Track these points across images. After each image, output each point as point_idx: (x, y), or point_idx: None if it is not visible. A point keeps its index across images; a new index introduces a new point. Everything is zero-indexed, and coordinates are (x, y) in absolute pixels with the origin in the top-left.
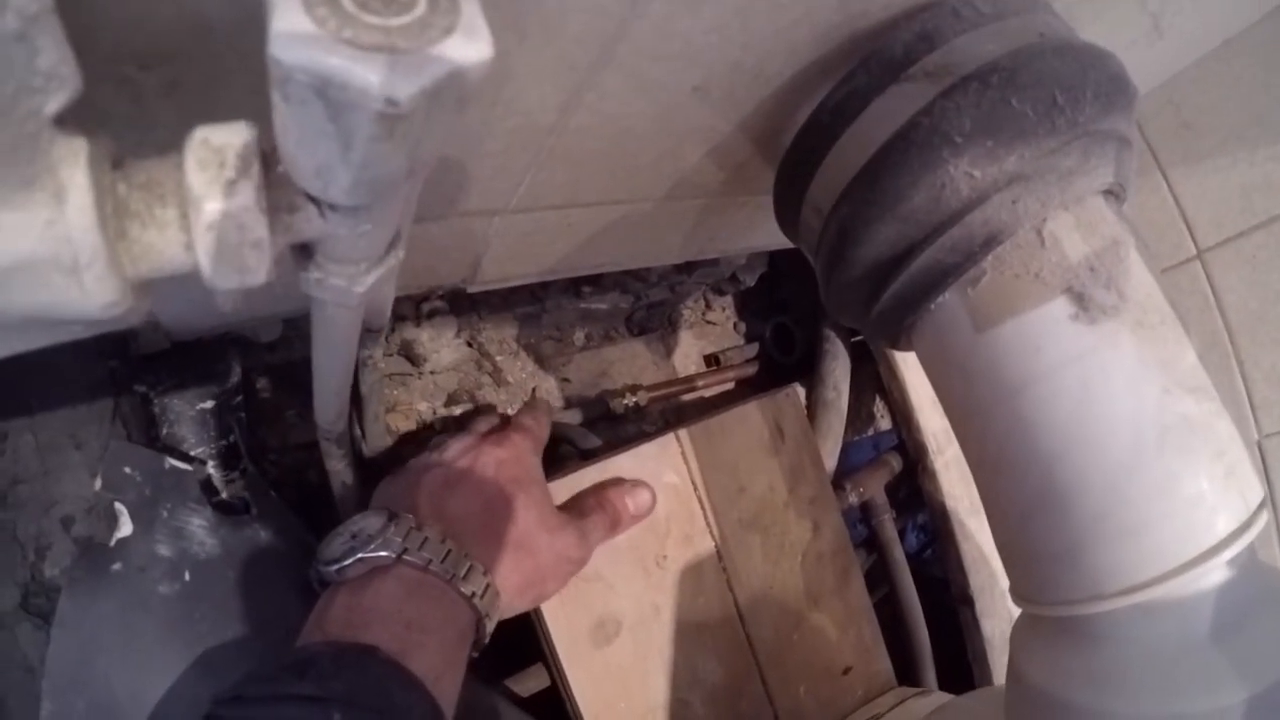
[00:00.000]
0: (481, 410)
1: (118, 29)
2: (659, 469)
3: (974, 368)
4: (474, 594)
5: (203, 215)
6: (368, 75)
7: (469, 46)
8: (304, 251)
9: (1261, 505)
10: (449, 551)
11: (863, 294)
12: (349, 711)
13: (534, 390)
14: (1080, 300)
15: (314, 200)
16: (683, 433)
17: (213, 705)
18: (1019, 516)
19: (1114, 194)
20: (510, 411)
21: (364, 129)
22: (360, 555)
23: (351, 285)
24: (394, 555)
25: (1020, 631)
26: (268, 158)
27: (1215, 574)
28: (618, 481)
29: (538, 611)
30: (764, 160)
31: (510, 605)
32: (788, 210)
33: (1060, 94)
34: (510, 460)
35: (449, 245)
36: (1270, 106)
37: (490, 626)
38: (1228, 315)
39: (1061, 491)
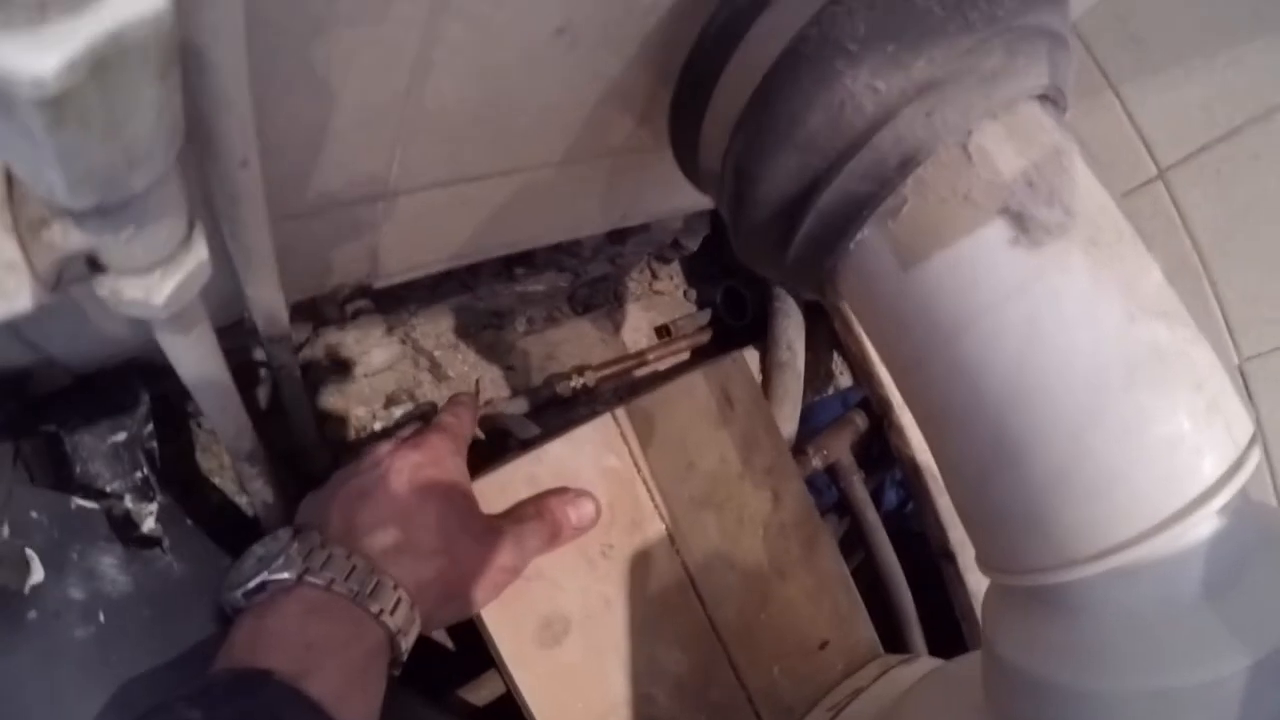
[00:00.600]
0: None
1: None
2: (597, 452)
3: (906, 311)
4: (382, 610)
5: None
6: (6, 57)
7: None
8: (97, 267)
9: (1252, 441)
10: (354, 568)
11: (773, 239)
12: None
13: (476, 381)
14: (1019, 221)
15: (67, 211)
16: (620, 412)
17: None
18: (974, 478)
19: (1050, 99)
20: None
21: (35, 118)
22: (262, 578)
23: (149, 296)
24: (295, 576)
25: (990, 603)
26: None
27: (1204, 526)
28: (560, 491)
29: (479, 617)
30: (663, 109)
31: (434, 616)
32: (687, 156)
33: None
34: (427, 463)
35: (334, 239)
36: (1223, 9)
37: (407, 643)
38: (1195, 235)
39: (1016, 446)
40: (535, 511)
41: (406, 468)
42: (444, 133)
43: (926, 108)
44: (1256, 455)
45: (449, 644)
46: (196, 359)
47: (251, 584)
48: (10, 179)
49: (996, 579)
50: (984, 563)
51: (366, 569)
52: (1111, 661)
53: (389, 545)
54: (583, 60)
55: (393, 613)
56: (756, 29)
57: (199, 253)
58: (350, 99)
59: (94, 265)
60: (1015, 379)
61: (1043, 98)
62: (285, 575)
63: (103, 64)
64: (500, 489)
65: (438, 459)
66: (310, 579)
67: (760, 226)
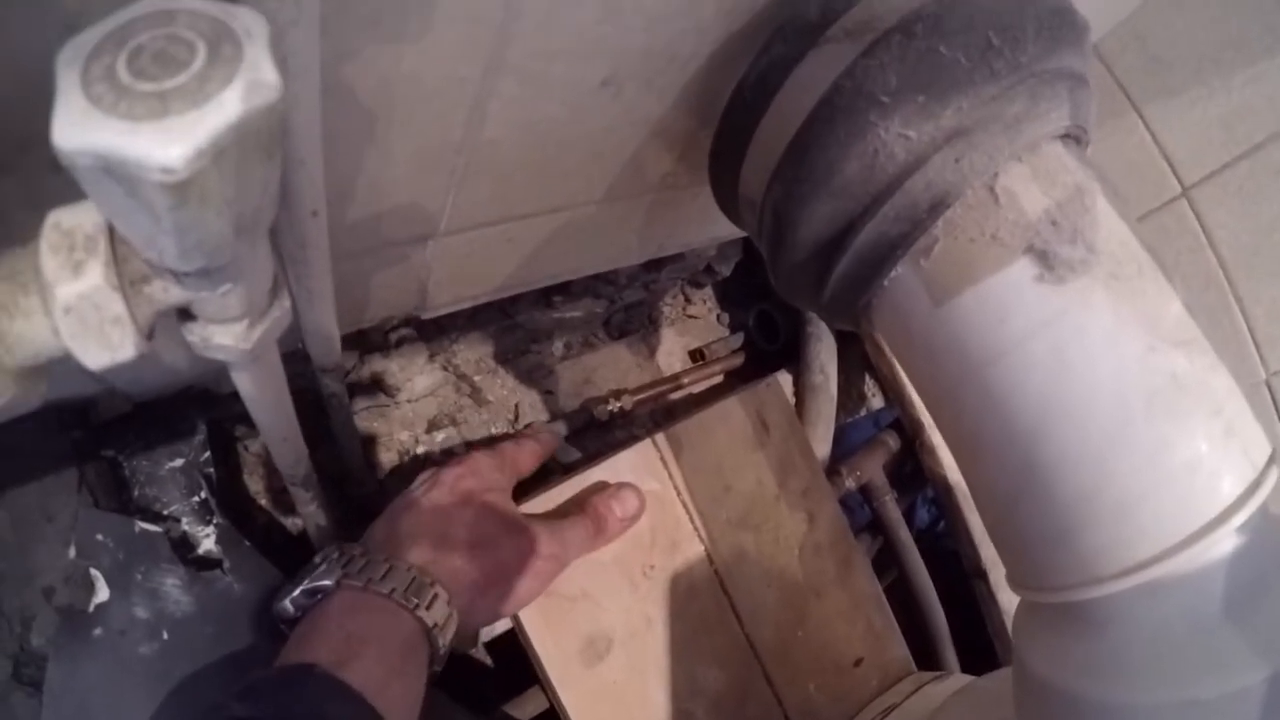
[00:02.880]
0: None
1: None
2: (639, 477)
3: (938, 344)
4: (418, 605)
5: (58, 299)
6: (137, 147)
7: (251, 94)
8: (187, 315)
9: (1270, 461)
10: (390, 568)
11: (810, 278)
12: None
13: (515, 406)
14: (1044, 259)
15: (171, 272)
16: (660, 437)
17: None
18: (1004, 500)
19: (1073, 138)
20: (494, 430)
21: (159, 199)
22: (305, 586)
23: (239, 343)
24: (334, 581)
25: (1021, 619)
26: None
27: (1223, 544)
28: (601, 486)
29: (524, 634)
30: (698, 151)
31: (474, 611)
32: (726, 197)
33: (995, 35)
34: (466, 474)
35: (389, 276)
36: (1241, 28)
37: (445, 639)
38: (1220, 252)
39: (1044, 471)
40: (578, 508)
41: (448, 480)
42: (494, 176)
43: (955, 154)
44: (1275, 474)
45: (488, 661)
46: (266, 393)
47: (297, 592)
48: (113, 239)
49: (1027, 596)
50: (1014, 581)
51: (404, 569)
52: (1138, 675)
53: (425, 547)
54: (626, 107)
55: (429, 607)
56: (792, 80)
57: (284, 302)
58: (408, 149)
59: (184, 314)
60: (1042, 408)
61: (1065, 136)
62: (326, 581)
63: (223, 152)
64: (545, 509)
65: (476, 470)
66: (349, 582)
67: (798, 266)
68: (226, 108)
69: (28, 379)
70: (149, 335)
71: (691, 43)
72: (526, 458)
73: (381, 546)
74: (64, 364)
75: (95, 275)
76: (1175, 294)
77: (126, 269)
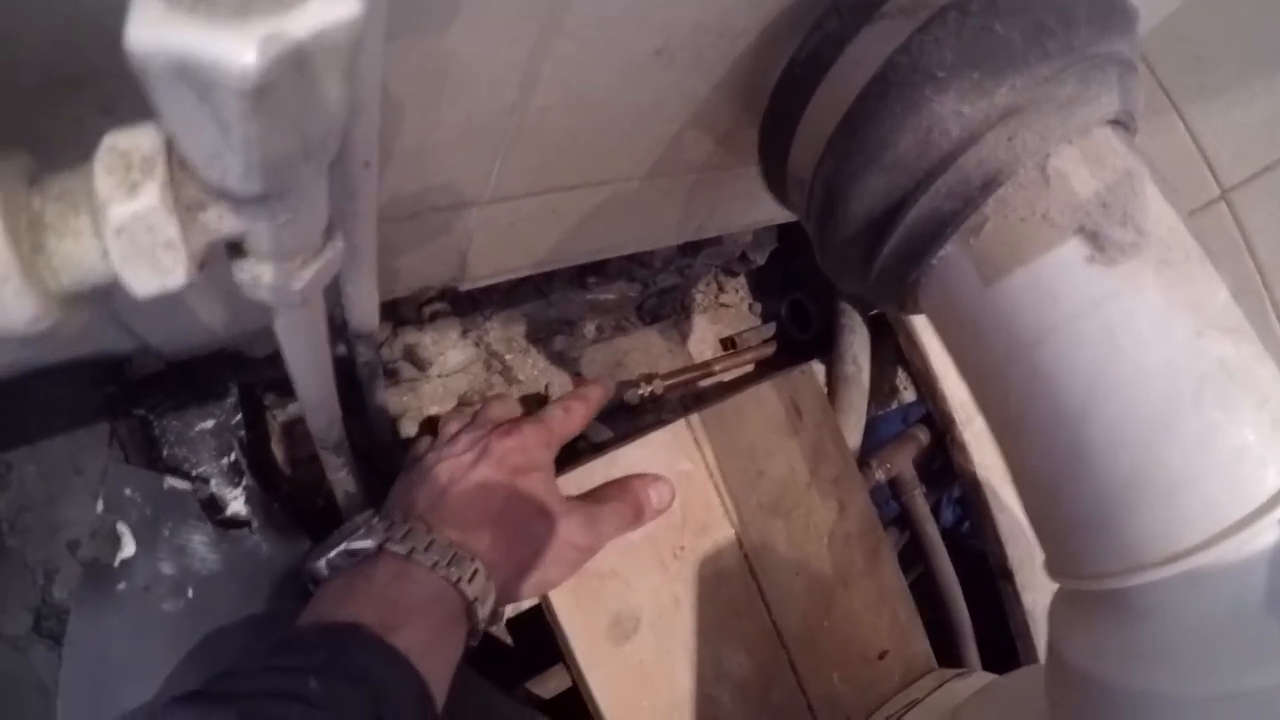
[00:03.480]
0: (495, 397)
1: (35, 52)
2: (672, 457)
3: (986, 323)
4: (460, 579)
5: (110, 220)
6: (215, 49)
7: (334, 4)
8: (237, 252)
9: None
10: (433, 541)
11: (859, 254)
12: (327, 681)
13: (546, 386)
14: (1095, 240)
15: (226, 195)
16: (694, 418)
17: (205, 682)
18: (1047, 483)
19: (1122, 124)
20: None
21: (233, 106)
22: (344, 546)
23: (289, 282)
24: (375, 544)
25: (1057, 608)
26: (178, 158)
27: (1268, 534)
28: (640, 475)
29: (551, 612)
30: (749, 127)
31: (510, 589)
32: (774, 174)
33: (1049, 16)
34: (515, 449)
35: (429, 243)
36: None
37: (484, 612)
38: (1258, 256)
39: (1091, 452)
40: (618, 492)
41: (496, 454)
42: (542, 144)
43: (1008, 132)
44: None
45: (508, 639)
46: (308, 346)
47: (334, 553)
48: (170, 163)
49: (1066, 584)
50: (1054, 569)
51: (445, 542)
52: (1178, 664)
53: (469, 522)
54: (676, 80)
55: (470, 581)
56: (846, 56)
57: (337, 243)
58: (461, 110)
59: (235, 250)
60: (1091, 388)
61: (1114, 122)
62: (367, 543)
63: (303, 62)
64: (577, 488)
65: (524, 446)
66: (392, 547)
67: (847, 241)
68: (310, 15)
69: (72, 306)
70: (200, 265)
71: (743, 17)
72: (575, 424)
73: (423, 515)
74: (107, 299)
75: (151, 196)
76: (1222, 282)
77: (183, 193)
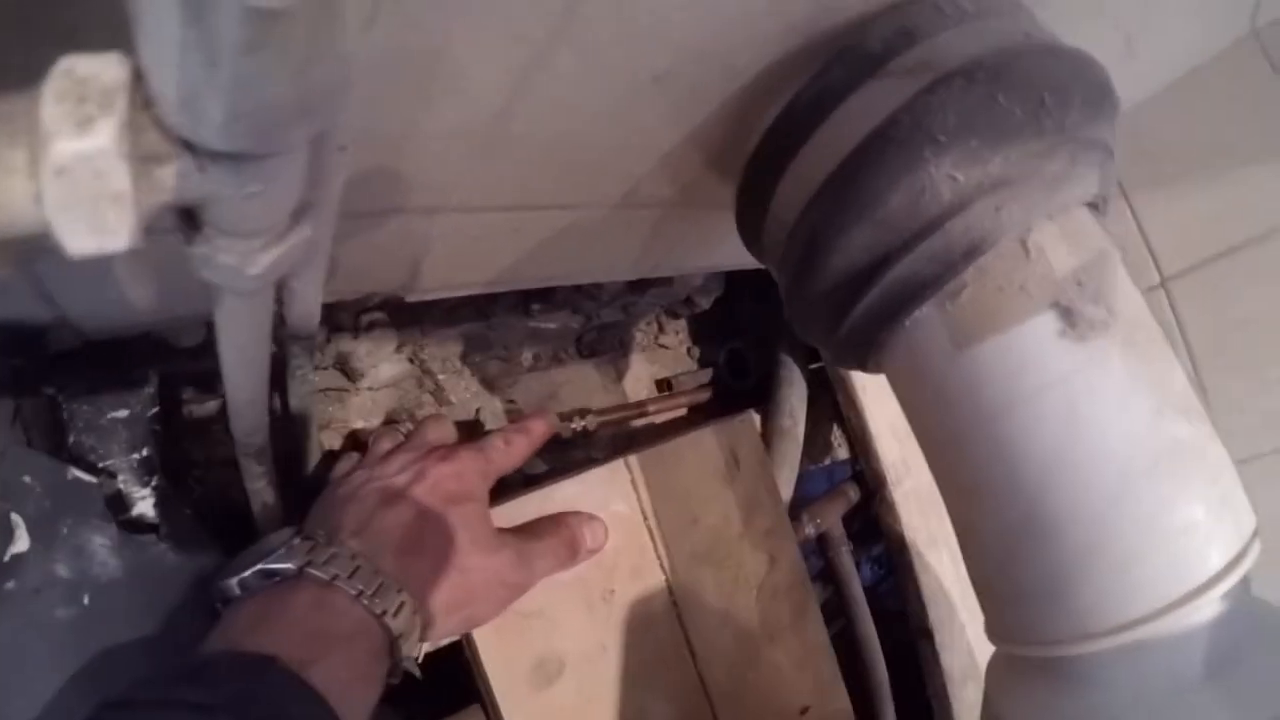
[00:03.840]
0: (432, 418)
1: None
2: (607, 497)
3: (952, 389)
4: (385, 612)
5: (50, 156)
6: None
7: None
8: (191, 222)
9: (1255, 534)
10: (358, 568)
11: (832, 307)
12: None
13: (477, 411)
14: (1068, 315)
15: (192, 150)
16: (633, 459)
17: (98, 709)
18: (999, 549)
19: (1098, 207)
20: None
21: (232, 33)
22: (261, 566)
23: (243, 265)
24: (296, 567)
25: (996, 671)
26: (145, 96)
27: (1208, 609)
28: (576, 512)
29: (473, 649)
30: (722, 171)
31: (437, 627)
32: (751, 216)
33: (1049, 95)
34: (451, 476)
35: (385, 245)
36: (1234, 135)
37: (407, 648)
38: (1191, 345)
39: (1047, 523)
40: (553, 529)
41: (431, 479)
42: (519, 158)
43: (997, 202)
44: (1258, 547)
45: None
46: (248, 343)
47: (249, 572)
48: (134, 100)
49: (1009, 649)
50: (996, 633)
51: (371, 570)
52: None
53: (398, 552)
54: (668, 109)
55: (395, 615)
56: (846, 106)
57: (304, 230)
58: (445, 108)
59: (188, 218)
60: (1052, 460)
61: (1092, 204)
62: (287, 565)
63: None
64: (509, 522)
65: (461, 473)
66: (313, 571)
67: (822, 293)
68: None
69: None
70: (147, 228)
71: (748, 56)
72: (516, 457)
73: (349, 539)
74: (29, 256)
75: (104, 136)
76: (1178, 364)
77: (143, 139)
